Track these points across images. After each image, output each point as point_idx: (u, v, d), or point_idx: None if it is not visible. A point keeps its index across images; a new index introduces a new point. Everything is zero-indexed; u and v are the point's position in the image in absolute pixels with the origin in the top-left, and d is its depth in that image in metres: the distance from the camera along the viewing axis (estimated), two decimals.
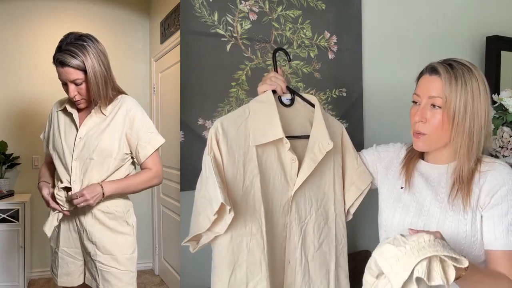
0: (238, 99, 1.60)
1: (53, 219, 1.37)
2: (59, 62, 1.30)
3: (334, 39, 1.82)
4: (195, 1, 1.52)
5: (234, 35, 1.59)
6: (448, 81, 0.98)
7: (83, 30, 1.38)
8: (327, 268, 1.17)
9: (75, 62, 1.30)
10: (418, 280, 0.76)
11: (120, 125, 1.40)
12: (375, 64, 1.96)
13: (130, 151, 1.43)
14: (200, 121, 1.56)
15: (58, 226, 1.45)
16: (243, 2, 1.60)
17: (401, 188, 1.12)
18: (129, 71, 2.99)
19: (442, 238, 0.82)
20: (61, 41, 1.32)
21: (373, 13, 1.94)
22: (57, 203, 1.34)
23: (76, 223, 1.42)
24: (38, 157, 2.70)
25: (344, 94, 1.86)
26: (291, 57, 1.38)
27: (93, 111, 1.40)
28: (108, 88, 1.38)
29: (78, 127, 1.40)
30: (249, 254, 1.05)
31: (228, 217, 0.96)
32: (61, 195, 1.34)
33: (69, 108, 1.43)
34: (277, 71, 1.16)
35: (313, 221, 1.14)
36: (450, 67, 1.00)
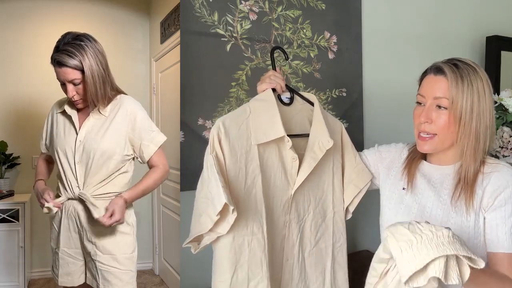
0: (238, 99, 1.60)
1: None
2: (56, 62, 1.30)
3: (334, 39, 1.82)
4: (195, 1, 1.52)
5: (234, 35, 1.59)
6: (454, 82, 0.97)
7: (83, 30, 1.38)
8: (323, 265, 1.17)
9: (72, 62, 1.29)
10: (433, 278, 0.73)
11: (121, 126, 1.40)
12: (375, 64, 1.96)
13: (134, 151, 1.43)
14: (200, 121, 1.56)
15: (58, 227, 1.45)
16: (243, 2, 1.61)
17: (403, 189, 1.11)
18: (129, 71, 2.99)
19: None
20: (59, 41, 1.32)
21: (373, 13, 1.94)
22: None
23: (76, 223, 1.42)
24: (38, 157, 2.69)
25: (344, 94, 1.86)
26: (288, 55, 1.37)
27: (91, 113, 1.40)
28: (106, 87, 1.38)
29: (77, 130, 1.40)
30: (251, 253, 1.04)
31: (231, 217, 0.96)
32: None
33: (68, 110, 1.42)
34: (275, 70, 1.15)
35: (311, 219, 1.15)
36: (456, 67, 0.99)
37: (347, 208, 1.21)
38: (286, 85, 1.14)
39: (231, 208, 0.94)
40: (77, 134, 1.40)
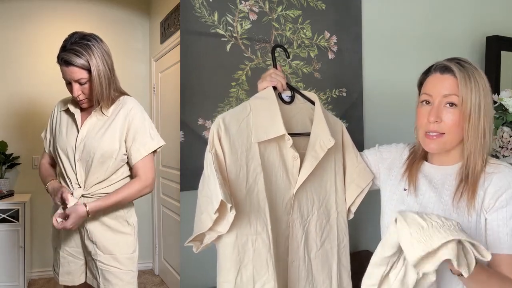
0: (238, 99, 1.60)
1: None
2: (63, 61, 1.30)
3: (334, 39, 1.82)
4: (195, 1, 1.52)
5: (234, 35, 1.60)
6: (463, 80, 0.96)
7: (83, 30, 1.38)
8: (329, 267, 1.16)
9: (80, 61, 1.30)
10: (432, 272, 0.74)
11: (120, 126, 1.39)
12: (375, 64, 1.96)
13: (126, 151, 1.43)
14: (200, 121, 1.56)
15: None
16: (243, 2, 1.61)
17: (404, 190, 1.10)
18: (129, 71, 2.99)
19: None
20: (66, 41, 1.32)
21: (373, 13, 1.94)
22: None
23: None
24: (38, 157, 2.68)
25: (344, 94, 1.86)
26: (289, 54, 1.37)
27: (94, 112, 1.40)
28: (111, 88, 1.38)
29: (79, 128, 1.40)
30: (255, 253, 1.03)
31: (230, 216, 0.95)
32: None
33: (71, 108, 1.43)
34: (276, 68, 1.15)
35: (315, 220, 1.13)
36: (461, 65, 0.99)
37: (349, 208, 1.21)
38: (287, 84, 1.14)
39: (229, 206, 0.92)
40: (78, 132, 1.40)
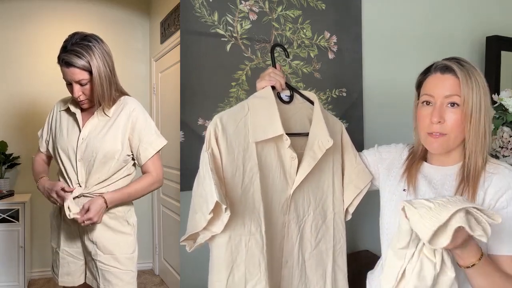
0: (238, 99, 1.60)
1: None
2: (64, 62, 1.30)
3: (334, 39, 1.82)
4: (195, 1, 1.52)
5: (234, 35, 1.60)
6: (465, 79, 0.96)
7: (83, 30, 1.38)
8: (323, 268, 1.15)
9: (80, 62, 1.29)
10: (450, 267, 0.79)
11: (122, 127, 1.40)
12: (375, 64, 1.96)
13: (132, 152, 1.43)
14: (200, 121, 1.56)
15: (59, 226, 1.45)
16: (243, 2, 1.61)
17: (404, 190, 1.10)
18: (129, 71, 2.99)
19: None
20: (66, 41, 1.32)
21: (373, 13, 1.95)
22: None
23: (76, 223, 1.42)
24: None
25: (344, 94, 1.86)
26: (289, 54, 1.37)
27: (96, 112, 1.40)
28: (112, 89, 1.38)
29: (80, 128, 1.40)
30: (248, 254, 1.03)
31: (225, 216, 0.94)
32: (72, 208, 1.32)
33: (72, 108, 1.43)
34: (275, 68, 1.14)
35: (311, 220, 1.13)
36: (461, 65, 0.98)
37: (346, 209, 1.20)
38: (286, 83, 1.13)
39: (224, 206, 0.92)
40: (80, 132, 1.40)
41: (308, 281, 1.13)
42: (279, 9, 1.68)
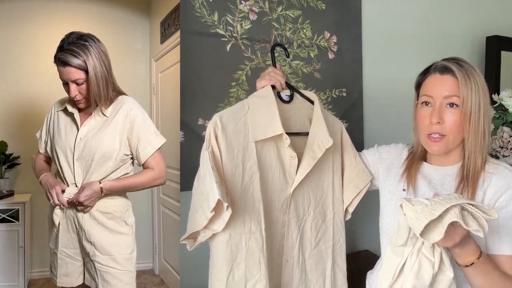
0: (238, 99, 1.60)
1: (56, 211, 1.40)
2: (60, 61, 1.30)
3: (334, 39, 1.82)
4: (195, 1, 1.52)
5: (234, 35, 1.60)
6: (464, 80, 0.96)
7: (83, 30, 1.38)
8: (323, 267, 1.16)
9: (76, 61, 1.30)
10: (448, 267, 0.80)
11: (120, 126, 1.40)
12: (375, 64, 1.96)
13: (131, 152, 1.43)
14: (200, 121, 1.56)
15: (57, 227, 1.45)
16: (243, 2, 1.61)
17: (403, 190, 1.10)
18: (129, 71, 2.99)
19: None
20: (63, 41, 1.32)
21: (373, 13, 1.94)
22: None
23: (74, 224, 1.42)
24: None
25: (344, 94, 1.86)
26: (289, 54, 1.37)
27: (94, 112, 1.40)
28: (109, 88, 1.38)
29: (78, 128, 1.40)
30: (248, 252, 1.03)
31: (226, 214, 0.95)
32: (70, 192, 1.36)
33: (70, 108, 1.43)
34: (275, 67, 1.14)
35: (311, 220, 1.13)
36: (460, 65, 0.98)
37: (346, 209, 1.20)
38: (286, 83, 1.13)
39: (225, 204, 0.92)
40: (77, 131, 1.40)
41: (308, 280, 1.13)
42: (279, 9, 1.68)
